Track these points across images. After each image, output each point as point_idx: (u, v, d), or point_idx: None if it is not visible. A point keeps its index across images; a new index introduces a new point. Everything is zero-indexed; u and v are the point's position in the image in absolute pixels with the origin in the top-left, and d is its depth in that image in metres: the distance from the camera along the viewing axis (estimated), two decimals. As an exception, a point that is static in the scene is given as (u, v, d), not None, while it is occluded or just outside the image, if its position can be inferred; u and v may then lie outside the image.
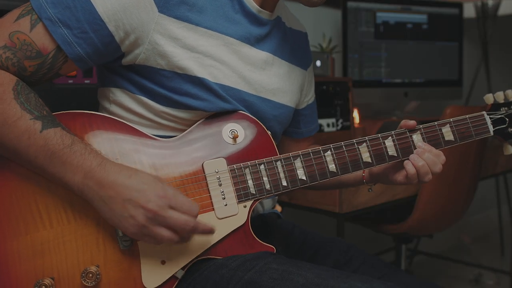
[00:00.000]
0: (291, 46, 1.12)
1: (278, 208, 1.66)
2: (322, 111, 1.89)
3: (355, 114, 2.12)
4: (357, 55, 2.22)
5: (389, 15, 2.29)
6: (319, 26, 2.35)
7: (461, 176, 1.74)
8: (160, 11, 0.88)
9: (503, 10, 2.71)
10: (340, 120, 1.94)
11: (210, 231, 0.86)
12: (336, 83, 1.93)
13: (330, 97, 1.91)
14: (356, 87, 2.18)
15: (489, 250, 3.19)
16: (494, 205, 3.44)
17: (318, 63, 1.93)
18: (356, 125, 2.08)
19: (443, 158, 0.98)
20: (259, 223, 1.09)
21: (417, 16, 2.37)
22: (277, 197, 1.23)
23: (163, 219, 0.81)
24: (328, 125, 1.89)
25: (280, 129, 1.09)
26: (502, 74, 3.25)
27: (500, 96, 1.03)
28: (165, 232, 0.82)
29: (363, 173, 1.07)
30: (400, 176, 0.99)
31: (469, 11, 2.75)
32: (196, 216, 0.83)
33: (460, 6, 2.49)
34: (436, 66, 2.45)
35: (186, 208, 0.82)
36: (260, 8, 0.99)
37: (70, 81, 1.36)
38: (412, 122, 0.99)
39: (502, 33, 3.08)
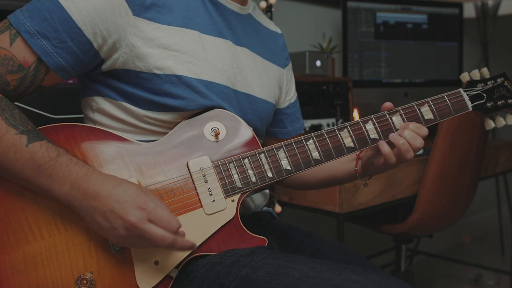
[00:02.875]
0: (265, 43, 1.14)
1: (278, 209, 1.66)
2: (322, 111, 1.89)
3: (355, 114, 2.12)
4: (357, 55, 2.22)
5: (389, 15, 2.29)
6: (319, 26, 2.35)
7: (461, 176, 1.74)
8: (135, 14, 0.89)
9: (503, 10, 2.71)
10: (340, 120, 1.94)
11: (190, 248, 0.85)
12: (336, 83, 1.93)
13: (330, 97, 1.91)
14: (356, 87, 2.18)
15: (489, 250, 3.19)
16: (494, 205, 3.44)
17: (318, 63, 1.93)
18: (356, 125, 2.08)
19: (424, 130, 0.98)
20: (253, 221, 1.09)
21: (417, 16, 2.37)
22: (268, 192, 1.23)
23: (141, 232, 0.81)
24: (328, 125, 1.90)
25: (262, 125, 1.10)
26: (502, 74, 3.25)
27: (476, 74, 1.04)
28: (145, 243, 0.83)
29: (356, 166, 1.08)
30: (381, 160, 0.99)
31: (469, 11, 2.76)
32: (175, 232, 0.82)
33: (460, 6, 2.49)
34: (436, 66, 2.45)
35: (165, 223, 0.81)
36: (229, 0, 1.02)
37: (70, 81, 1.36)
38: (389, 104, 1.00)
39: (502, 33, 3.08)
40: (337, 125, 1.93)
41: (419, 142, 0.96)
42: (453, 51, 2.50)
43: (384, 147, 0.96)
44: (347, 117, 1.96)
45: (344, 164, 1.10)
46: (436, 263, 3.00)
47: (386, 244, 2.64)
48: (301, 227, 1.20)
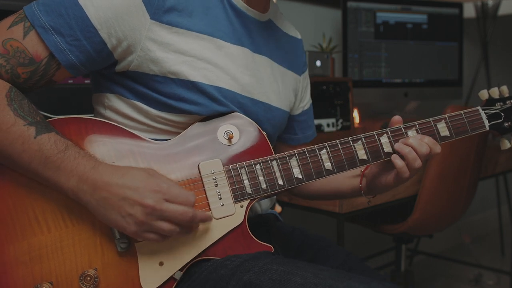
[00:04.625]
0: (284, 50, 1.12)
1: (278, 209, 1.66)
2: (322, 111, 1.89)
3: (355, 114, 2.12)
4: (357, 55, 2.22)
5: (389, 15, 2.29)
6: (319, 26, 2.35)
7: (461, 176, 1.74)
8: (152, 17, 0.88)
9: (503, 10, 2.71)
10: (340, 120, 1.94)
11: (208, 218, 0.87)
12: (336, 83, 1.93)
13: (330, 97, 1.91)
14: (356, 87, 2.18)
15: (489, 250, 3.19)
16: (494, 205, 3.44)
17: (318, 63, 1.93)
18: (356, 125, 2.08)
19: (438, 148, 0.96)
20: (257, 223, 1.09)
21: (417, 16, 2.37)
22: (275, 197, 1.22)
23: (161, 213, 0.81)
24: (328, 125, 1.90)
25: (274, 132, 1.09)
26: (502, 74, 3.25)
27: (495, 92, 1.03)
28: (165, 225, 0.82)
29: (360, 183, 1.07)
30: (391, 175, 0.98)
31: (469, 11, 2.75)
32: (193, 205, 0.84)
33: (460, 6, 2.49)
34: (436, 66, 2.45)
35: (182, 199, 0.82)
36: (248, 6, 1.00)
37: (70, 81, 1.36)
38: (397, 117, 0.99)
39: (502, 33, 3.08)
40: (337, 125, 1.94)
41: (425, 149, 0.95)
42: (453, 51, 2.49)
43: (399, 161, 0.95)
44: (347, 117, 1.96)
45: (349, 179, 1.09)
46: (436, 263, 3.00)
47: (386, 244, 2.64)
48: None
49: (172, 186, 0.83)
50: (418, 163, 0.95)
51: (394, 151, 0.97)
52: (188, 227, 0.86)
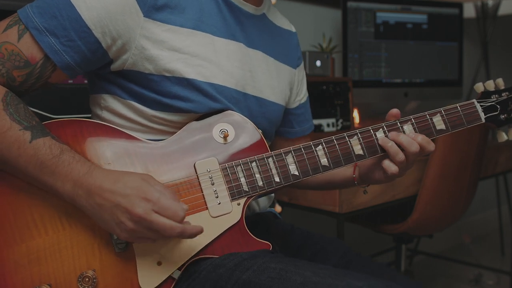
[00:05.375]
0: (279, 44, 1.13)
1: (278, 208, 1.66)
2: (322, 111, 1.89)
3: (355, 114, 2.12)
4: (357, 55, 2.22)
5: (389, 15, 2.29)
6: (319, 26, 2.35)
7: (461, 176, 1.74)
8: (145, 15, 0.88)
9: (503, 10, 2.71)
10: (340, 120, 1.94)
11: (199, 232, 0.84)
12: (336, 83, 1.94)
13: (330, 97, 1.91)
14: (356, 87, 2.18)
15: (489, 250, 3.19)
16: (494, 205, 3.44)
17: (318, 63, 1.93)
18: (356, 125, 2.08)
19: (432, 146, 0.96)
20: (255, 222, 1.09)
21: (417, 16, 2.37)
22: (274, 195, 1.22)
23: (149, 223, 0.80)
24: (328, 125, 1.90)
25: (271, 127, 1.09)
26: (502, 74, 3.25)
27: (490, 85, 1.03)
28: (152, 235, 0.82)
29: (354, 174, 1.07)
30: (380, 173, 1.00)
31: (469, 11, 2.75)
32: (181, 221, 0.81)
33: (460, 6, 2.49)
34: (436, 66, 2.45)
35: (171, 213, 0.80)
36: (241, 0, 1.00)
37: (70, 81, 1.36)
38: (396, 110, 0.99)
39: (502, 33, 3.08)
40: (337, 125, 1.94)
41: (414, 147, 0.95)
42: (453, 51, 2.50)
43: (385, 161, 0.96)
44: (347, 117, 1.96)
45: (342, 170, 1.09)
46: (436, 263, 3.00)
47: (386, 244, 2.64)
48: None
49: (163, 196, 0.81)
50: (399, 157, 0.95)
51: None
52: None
